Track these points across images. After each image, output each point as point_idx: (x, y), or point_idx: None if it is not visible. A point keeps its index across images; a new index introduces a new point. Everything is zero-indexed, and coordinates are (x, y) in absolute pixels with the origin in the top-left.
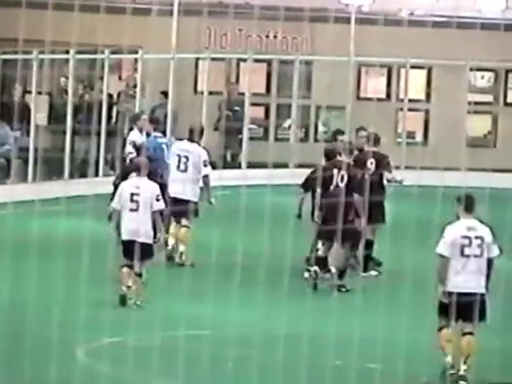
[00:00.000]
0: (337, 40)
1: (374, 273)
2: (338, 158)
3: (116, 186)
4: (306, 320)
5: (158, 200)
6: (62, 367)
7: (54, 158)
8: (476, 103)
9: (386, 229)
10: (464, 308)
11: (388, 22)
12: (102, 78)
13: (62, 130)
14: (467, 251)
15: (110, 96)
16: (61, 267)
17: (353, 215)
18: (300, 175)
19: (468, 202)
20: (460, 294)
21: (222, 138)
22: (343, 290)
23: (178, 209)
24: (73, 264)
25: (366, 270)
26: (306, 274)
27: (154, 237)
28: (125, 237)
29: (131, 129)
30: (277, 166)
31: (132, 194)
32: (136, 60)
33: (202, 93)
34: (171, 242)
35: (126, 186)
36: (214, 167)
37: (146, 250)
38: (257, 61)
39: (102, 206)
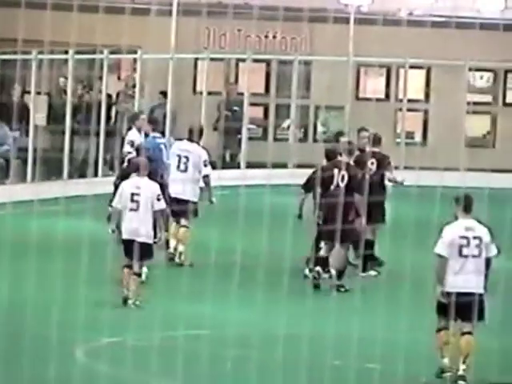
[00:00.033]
0: (336, 40)
1: (373, 273)
2: (339, 158)
3: (116, 187)
4: (305, 320)
5: (158, 200)
6: (61, 367)
7: (53, 158)
8: (475, 103)
9: (386, 229)
10: (463, 308)
11: (387, 22)
12: (101, 78)
13: (61, 130)
14: (465, 251)
15: (109, 96)
16: (60, 267)
17: (353, 215)
18: (299, 175)
19: (466, 203)
20: (459, 294)
21: (221, 138)
22: (342, 290)
23: (178, 209)
24: (72, 264)
25: (365, 270)
26: (309, 274)
27: (155, 237)
28: (125, 236)
29: (130, 128)
30: (276, 166)
31: (132, 194)
32: (135, 60)
33: (201, 93)
34: (173, 244)
35: (127, 186)
36: (213, 167)
37: (146, 250)
38: (256, 61)
39: (101, 206)
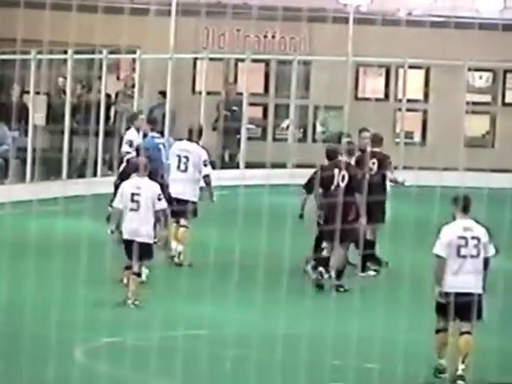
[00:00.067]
0: (335, 40)
1: (372, 273)
2: (339, 158)
3: (117, 187)
4: (304, 320)
5: (159, 200)
6: (61, 367)
7: (52, 158)
8: (474, 103)
9: (384, 229)
10: (461, 308)
11: (386, 22)
12: (100, 78)
13: (60, 130)
14: (463, 252)
15: (108, 96)
16: (59, 267)
17: (353, 215)
18: (298, 175)
19: (464, 203)
20: (457, 294)
21: (220, 138)
22: (341, 289)
23: (177, 209)
24: (71, 264)
25: (364, 269)
26: (310, 270)
27: (154, 237)
28: (125, 236)
29: (128, 128)
30: (275, 166)
31: (133, 194)
32: (134, 60)
33: (200, 93)
34: (174, 245)
35: (127, 186)
36: (212, 167)
37: (146, 250)
38: (255, 61)
39: (101, 206)
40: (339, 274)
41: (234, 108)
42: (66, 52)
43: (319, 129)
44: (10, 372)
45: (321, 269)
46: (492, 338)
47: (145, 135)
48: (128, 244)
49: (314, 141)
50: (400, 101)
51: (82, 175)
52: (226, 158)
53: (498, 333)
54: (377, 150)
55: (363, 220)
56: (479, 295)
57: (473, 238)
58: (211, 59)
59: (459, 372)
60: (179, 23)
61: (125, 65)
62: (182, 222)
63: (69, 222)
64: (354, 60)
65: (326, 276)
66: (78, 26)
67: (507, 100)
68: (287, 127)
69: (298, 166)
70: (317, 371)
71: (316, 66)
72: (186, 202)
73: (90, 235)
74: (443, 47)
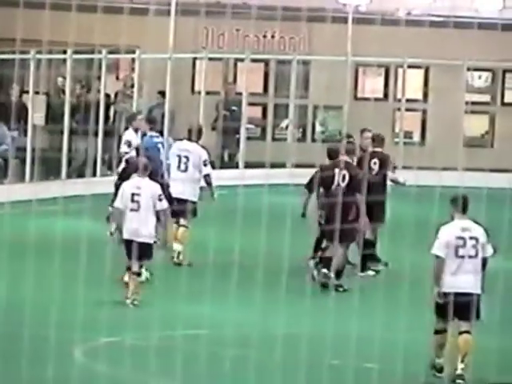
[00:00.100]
0: (334, 40)
1: (371, 272)
2: (340, 157)
3: (117, 187)
4: (304, 320)
5: (160, 200)
6: (60, 367)
7: (51, 158)
8: (473, 103)
9: (384, 228)
10: (460, 308)
11: (385, 22)
12: (99, 78)
13: (60, 130)
14: (462, 252)
15: (107, 96)
16: (58, 267)
17: (354, 214)
18: (297, 175)
19: (462, 203)
20: (456, 294)
21: (219, 138)
22: (341, 289)
23: (177, 208)
24: (70, 264)
25: (363, 269)
26: (316, 275)
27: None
28: (126, 236)
29: (127, 128)
30: (274, 165)
31: (133, 194)
32: (133, 60)
33: (200, 93)
34: (174, 245)
35: (127, 187)
36: (212, 167)
37: (146, 250)
38: (254, 61)
39: (100, 206)
40: (338, 274)
41: (234, 108)
42: (65, 52)
43: (318, 129)
44: (9, 372)
45: (324, 270)
46: (492, 337)
47: (144, 135)
48: (129, 244)
49: (314, 141)
50: (399, 100)
51: (81, 175)
52: (226, 158)
53: (498, 333)
54: (378, 150)
55: (366, 219)
56: (478, 295)
57: (471, 238)
58: (210, 59)
59: (458, 371)
60: (178, 23)
61: (124, 65)
62: (182, 221)
63: (68, 221)
64: (354, 60)
65: (331, 276)
66: (77, 26)
67: (506, 100)
68: (286, 127)
69: (298, 166)
70: (316, 371)
71: (315, 66)
72: (185, 201)
73: (89, 235)
74: (442, 47)
